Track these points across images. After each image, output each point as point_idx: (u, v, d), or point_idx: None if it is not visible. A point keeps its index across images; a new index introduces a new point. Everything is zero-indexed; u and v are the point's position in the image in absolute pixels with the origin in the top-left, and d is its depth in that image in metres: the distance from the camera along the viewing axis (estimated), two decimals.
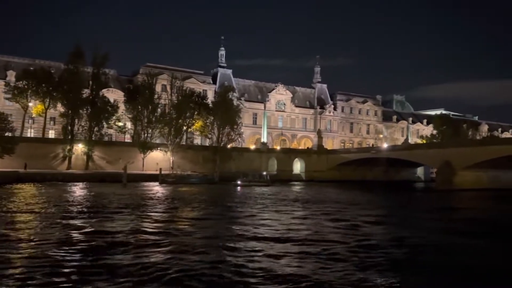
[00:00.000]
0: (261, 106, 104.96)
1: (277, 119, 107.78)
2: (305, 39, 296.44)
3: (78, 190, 43.18)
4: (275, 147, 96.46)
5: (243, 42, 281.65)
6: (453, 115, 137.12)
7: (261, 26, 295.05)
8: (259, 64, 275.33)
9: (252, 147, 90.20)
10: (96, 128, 65.03)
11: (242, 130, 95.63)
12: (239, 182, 57.10)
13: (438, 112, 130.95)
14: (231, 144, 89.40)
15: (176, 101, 73.69)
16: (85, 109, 64.37)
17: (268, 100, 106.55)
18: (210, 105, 78.77)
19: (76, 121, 63.94)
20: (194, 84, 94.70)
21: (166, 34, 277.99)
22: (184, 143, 72.68)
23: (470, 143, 61.06)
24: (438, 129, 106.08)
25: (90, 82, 68.13)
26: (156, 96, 73.49)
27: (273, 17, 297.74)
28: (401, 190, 60.70)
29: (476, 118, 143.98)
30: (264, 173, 63.64)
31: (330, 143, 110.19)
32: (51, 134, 76.70)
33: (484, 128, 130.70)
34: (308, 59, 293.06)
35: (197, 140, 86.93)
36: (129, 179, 58.50)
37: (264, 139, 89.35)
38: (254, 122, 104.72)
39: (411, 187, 68.32)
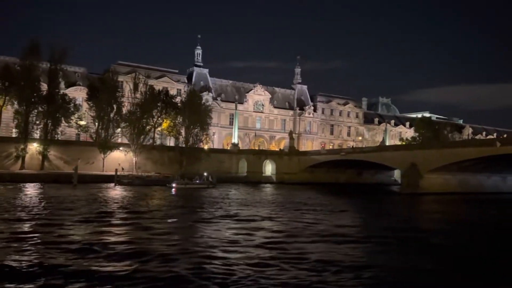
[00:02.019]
0: (239, 106, 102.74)
1: (255, 120, 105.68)
2: (298, 43, 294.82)
3: (13, 192, 40.81)
4: (253, 148, 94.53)
5: (238, 44, 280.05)
6: (437, 118, 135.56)
7: (256, 29, 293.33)
8: (254, 66, 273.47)
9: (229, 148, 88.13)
10: (52, 127, 62.44)
11: (213, 131, 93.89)
12: (173, 185, 53.30)
13: (424, 114, 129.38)
14: (207, 145, 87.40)
15: (142, 100, 71.24)
16: (41, 107, 61.93)
17: (245, 101, 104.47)
18: (179, 105, 76.51)
19: (32, 119, 61.47)
20: (168, 83, 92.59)
21: (147, 34, 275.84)
22: (148, 143, 70.21)
23: (436, 145, 59.01)
24: (419, 131, 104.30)
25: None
26: (120, 94, 71.14)
27: (267, 20, 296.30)
28: (366, 193, 58.65)
29: (461, 121, 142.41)
30: (205, 173, 60.97)
31: (309, 145, 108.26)
32: (15, 133, 74.30)
33: (468, 131, 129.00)
34: (301, 62, 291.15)
35: (168, 141, 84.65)
36: (84, 180, 56.25)
37: (235, 140, 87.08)
38: (231, 123, 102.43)
39: (380, 190, 66.21)
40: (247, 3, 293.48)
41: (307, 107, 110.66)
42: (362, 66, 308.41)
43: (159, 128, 76.20)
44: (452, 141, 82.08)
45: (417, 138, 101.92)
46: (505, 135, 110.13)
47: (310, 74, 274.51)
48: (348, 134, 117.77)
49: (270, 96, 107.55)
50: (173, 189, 50.72)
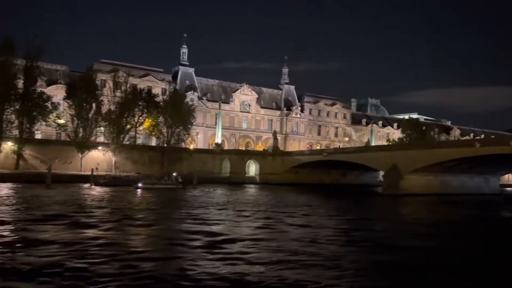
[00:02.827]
0: (225, 106, 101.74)
1: (241, 120, 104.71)
2: (293, 44, 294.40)
3: None
4: (239, 149, 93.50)
5: (233, 45, 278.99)
6: (426, 119, 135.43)
7: (251, 30, 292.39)
8: (248, 67, 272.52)
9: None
10: (28, 125, 61.02)
11: (197, 131, 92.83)
12: (139, 185, 51.35)
13: (411, 116, 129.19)
14: (192, 145, 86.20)
15: (122, 98, 70.04)
16: (17, 105, 60.52)
17: (232, 101, 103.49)
18: (161, 104, 75.37)
19: (7, 117, 60.00)
20: (152, 82, 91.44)
21: (137, 34, 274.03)
22: (128, 142, 68.99)
23: (417, 146, 58.44)
24: (406, 132, 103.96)
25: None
26: (100, 92, 69.89)
27: (262, 21, 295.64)
28: (348, 194, 57.92)
29: (449, 122, 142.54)
30: (174, 174, 59.58)
31: (296, 145, 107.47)
32: None
33: (456, 132, 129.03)
34: (296, 63, 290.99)
35: (152, 141, 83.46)
36: (61, 179, 55.14)
37: (218, 140, 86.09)
38: (217, 123, 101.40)
39: (362, 191, 65.50)
40: (243, 3, 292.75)
41: (294, 107, 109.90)
42: (355, 67, 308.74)
43: (140, 128, 74.99)
44: (433, 142, 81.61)
45: (404, 139, 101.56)
46: (492, 136, 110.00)
47: (305, 75, 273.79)
48: (336, 135, 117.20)
49: (257, 96, 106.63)
50: (139, 190, 48.80)
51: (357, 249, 18.39)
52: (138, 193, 45.37)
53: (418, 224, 28.54)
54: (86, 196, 39.99)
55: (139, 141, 78.13)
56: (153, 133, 74.87)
